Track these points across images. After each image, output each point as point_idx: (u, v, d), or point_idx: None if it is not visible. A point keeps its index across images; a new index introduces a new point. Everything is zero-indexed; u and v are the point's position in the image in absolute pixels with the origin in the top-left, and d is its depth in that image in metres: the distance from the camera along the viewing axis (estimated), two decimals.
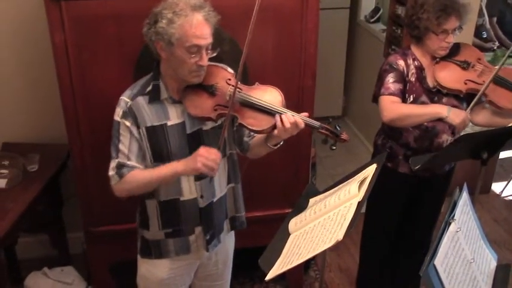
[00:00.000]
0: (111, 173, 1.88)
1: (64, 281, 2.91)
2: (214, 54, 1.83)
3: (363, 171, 1.78)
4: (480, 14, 4.19)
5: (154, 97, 1.85)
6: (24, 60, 2.86)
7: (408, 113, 2.35)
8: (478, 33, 4.24)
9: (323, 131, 1.89)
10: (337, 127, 1.92)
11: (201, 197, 1.97)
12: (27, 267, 3.00)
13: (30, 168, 2.76)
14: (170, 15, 1.72)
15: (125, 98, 1.85)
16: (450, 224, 1.63)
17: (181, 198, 1.95)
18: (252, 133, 1.96)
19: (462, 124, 2.30)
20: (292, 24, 2.37)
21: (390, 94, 2.36)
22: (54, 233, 3.05)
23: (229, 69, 1.94)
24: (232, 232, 2.24)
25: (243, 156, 2.10)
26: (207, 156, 1.75)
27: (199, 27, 1.74)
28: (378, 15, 4.50)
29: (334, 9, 4.63)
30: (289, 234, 1.76)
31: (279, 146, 1.92)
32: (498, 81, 2.35)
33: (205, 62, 1.79)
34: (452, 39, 2.34)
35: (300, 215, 1.82)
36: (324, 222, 1.66)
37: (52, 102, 2.72)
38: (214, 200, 2.01)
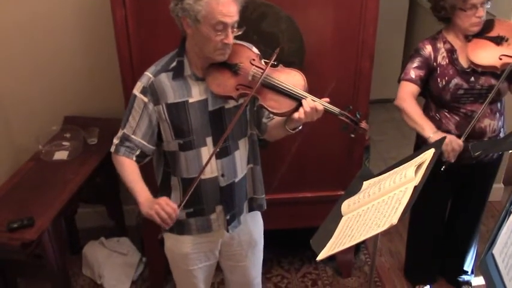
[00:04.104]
0: (114, 141, 1.94)
1: (120, 251, 3.02)
2: (240, 33, 1.81)
3: (420, 155, 1.74)
4: None
5: (177, 73, 1.86)
6: (85, 36, 2.93)
7: (408, 112, 2.38)
8: None
9: (342, 117, 1.87)
10: (357, 115, 1.89)
11: (222, 175, 1.96)
12: (85, 236, 3.14)
13: (90, 141, 2.86)
14: None
15: (148, 74, 1.88)
16: (511, 213, 1.57)
17: (202, 177, 1.92)
18: (271, 115, 1.94)
19: (449, 148, 2.27)
20: (352, 2, 2.32)
21: (407, 80, 2.39)
22: (111, 205, 3.16)
23: (254, 49, 1.93)
24: (257, 213, 2.21)
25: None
26: (164, 207, 1.76)
27: (226, 5, 1.72)
28: None
29: None
30: (341, 216, 1.75)
31: (297, 130, 1.90)
32: None
33: (230, 40, 1.78)
34: (482, 12, 2.25)
35: (353, 197, 1.80)
36: (378, 206, 1.64)
37: (112, 78, 2.79)
38: (236, 180, 2.00)
